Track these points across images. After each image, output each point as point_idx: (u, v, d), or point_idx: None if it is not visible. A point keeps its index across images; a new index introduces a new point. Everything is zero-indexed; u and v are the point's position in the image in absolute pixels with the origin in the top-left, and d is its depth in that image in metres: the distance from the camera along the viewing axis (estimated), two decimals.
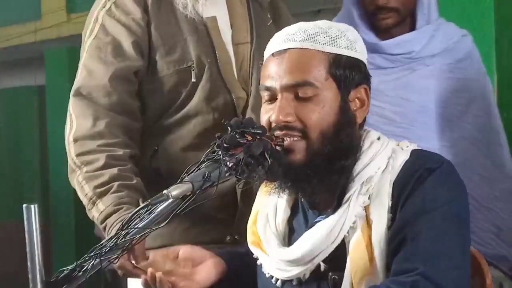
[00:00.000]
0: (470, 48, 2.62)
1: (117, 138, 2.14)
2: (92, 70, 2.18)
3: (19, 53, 7.42)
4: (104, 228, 2.04)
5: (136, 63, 2.19)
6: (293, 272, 1.66)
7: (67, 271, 1.36)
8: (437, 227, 1.55)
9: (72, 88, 2.20)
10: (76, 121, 2.17)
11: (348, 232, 1.61)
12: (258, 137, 1.52)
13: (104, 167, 2.08)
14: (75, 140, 2.16)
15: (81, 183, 2.12)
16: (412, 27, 2.56)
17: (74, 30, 6.55)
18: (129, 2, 2.21)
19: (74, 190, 2.17)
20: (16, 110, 7.93)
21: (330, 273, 1.64)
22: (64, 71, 6.96)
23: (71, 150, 2.17)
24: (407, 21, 2.56)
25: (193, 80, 2.20)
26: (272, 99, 1.65)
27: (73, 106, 2.18)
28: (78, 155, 2.15)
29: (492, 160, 2.58)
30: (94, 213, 2.08)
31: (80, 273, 1.36)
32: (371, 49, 2.45)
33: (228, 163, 1.47)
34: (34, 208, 1.30)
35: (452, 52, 2.56)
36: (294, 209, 1.74)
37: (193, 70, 2.20)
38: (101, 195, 2.06)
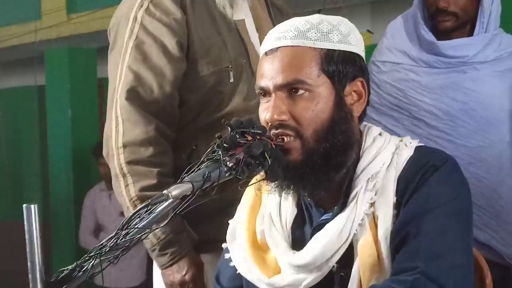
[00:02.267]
0: None
1: (162, 145, 2.17)
2: (139, 73, 2.18)
3: (19, 53, 7.42)
4: (163, 254, 2.12)
5: (183, 65, 2.21)
6: (308, 280, 1.63)
7: (67, 271, 1.36)
8: (440, 225, 1.55)
9: (120, 89, 2.18)
10: (123, 125, 2.16)
11: (356, 230, 1.60)
12: (258, 137, 1.52)
13: (158, 187, 2.10)
14: (125, 146, 2.16)
15: (133, 200, 2.15)
16: (471, 33, 2.65)
17: (74, 30, 6.55)
18: (167, 1, 2.22)
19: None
20: (16, 110, 7.93)
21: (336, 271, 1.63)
22: (64, 71, 6.95)
23: (120, 156, 2.16)
24: (467, 27, 2.65)
25: (231, 80, 2.23)
26: (267, 96, 1.65)
27: (122, 109, 2.17)
28: (128, 162, 2.15)
29: None
30: (152, 238, 2.14)
31: (80, 273, 1.36)
32: (428, 48, 2.61)
33: (228, 163, 1.47)
34: (34, 208, 1.30)
35: (504, 62, 2.64)
36: (297, 208, 1.73)
37: (231, 71, 2.22)
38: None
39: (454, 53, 2.60)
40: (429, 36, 2.61)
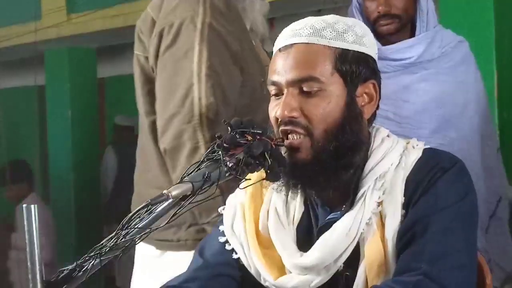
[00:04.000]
0: (466, 53, 2.74)
1: None
2: (220, 78, 2.25)
3: (19, 53, 7.43)
4: None
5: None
6: (316, 281, 1.61)
7: (67, 271, 1.36)
8: (445, 227, 1.55)
9: (205, 88, 2.23)
10: (207, 122, 2.22)
11: (363, 229, 1.60)
12: (258, 137, 1.52)
13: None
14: (207, 142, 2.20)
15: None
16: (412, 34, 2.66)
17: (74, 30, 6.56)
18: (224, 9, 2.29)
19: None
20: (16, 110, 7.94)
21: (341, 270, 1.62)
22: (64, 71, 6.96)
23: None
24: (407, 27, 2.67)
25: (264, 92, 2.27)
26: (279, 93, 1.65)
27: (208, 107, 2.22)
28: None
29: (482, 160, 2.64)
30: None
31: (80, 273, 1.35)
32: None
33: (228, 163, 1.47)
34: (34, 208, 1.30)
35: (449, 57, 2.66)
36: (304, 206, 1.71)
37: (264, 84, 2.28)
38: None
39: (401, 56, 2.61)
40: None
